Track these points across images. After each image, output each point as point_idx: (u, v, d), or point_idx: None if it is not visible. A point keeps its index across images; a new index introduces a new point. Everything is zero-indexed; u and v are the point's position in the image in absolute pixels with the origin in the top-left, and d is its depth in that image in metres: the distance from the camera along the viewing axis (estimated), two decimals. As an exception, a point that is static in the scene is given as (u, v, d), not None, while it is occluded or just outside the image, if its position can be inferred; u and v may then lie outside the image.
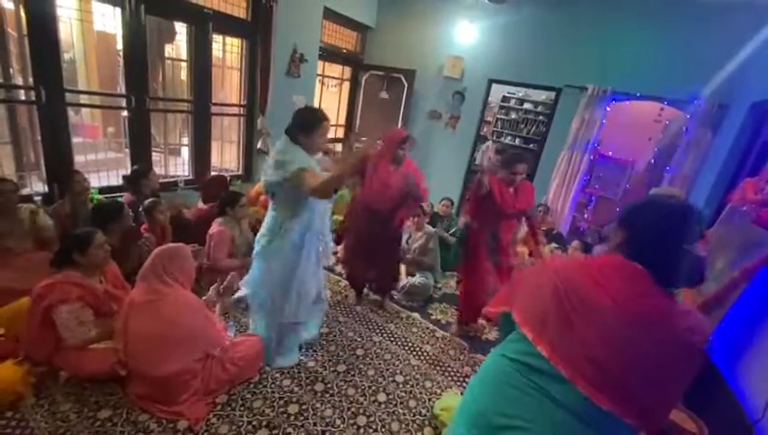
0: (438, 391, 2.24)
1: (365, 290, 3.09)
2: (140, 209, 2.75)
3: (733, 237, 1.79)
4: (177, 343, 1.72)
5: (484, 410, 0.95)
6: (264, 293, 2.08)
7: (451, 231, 3.97)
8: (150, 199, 2.77)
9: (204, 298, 1.93)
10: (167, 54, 4.19)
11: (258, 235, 2.08)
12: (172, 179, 3.75)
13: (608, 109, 4.23)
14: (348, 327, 2.71)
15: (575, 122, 4.38)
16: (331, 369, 2.27)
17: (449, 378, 2.38)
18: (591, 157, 4.49)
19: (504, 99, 6.40)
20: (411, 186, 2.54)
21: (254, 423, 1.82)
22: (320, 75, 5.01)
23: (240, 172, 4.28)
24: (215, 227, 2.64)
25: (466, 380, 2.39)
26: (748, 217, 1.64)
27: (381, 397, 2.12)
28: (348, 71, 5.57)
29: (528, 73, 4.60)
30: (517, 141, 6.37)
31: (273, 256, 2.00)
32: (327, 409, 1.98)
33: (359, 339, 2.59)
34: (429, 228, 3.37)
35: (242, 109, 4.07)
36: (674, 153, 4.18)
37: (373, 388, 2.18)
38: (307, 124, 1.93)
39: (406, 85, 5.17)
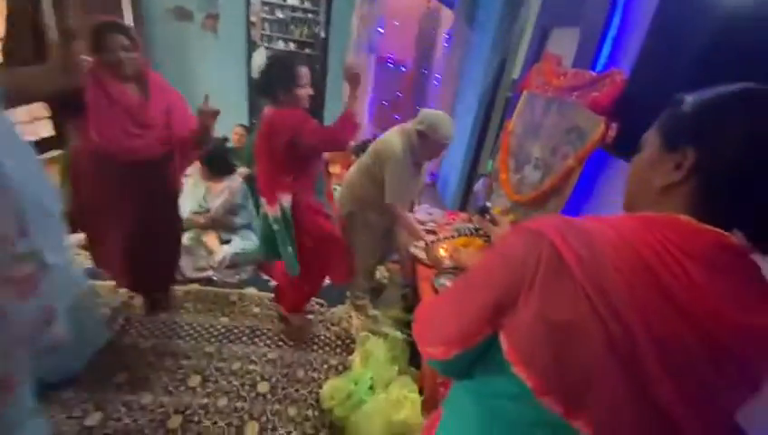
0: (317, 376, 1.83)
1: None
2: None
3: (552, 125, 1.90)
4: None
5: None
6: None
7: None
8: None
9: None
10: None
11: None
12: None
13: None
14: (158, 352, 1.83)
15: (355, 20, 3.98)
16: (160, 431, 1.48)
17: (323, 351, 1.98)
18: (379, 58, 4.30)
19: (264, -7, 5.29)
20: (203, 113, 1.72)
21: None
22: None
23: None
24: None
25: (340, 349, 2.04)
26: (574, 104, 1.71)
27: (251, 427, 1.54)
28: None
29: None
30: (291, 46, 5.56)
31: None
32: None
33: (184, 362, 1.79)
34: (234, 179, 2.53)
35: None
36: (439, 52, 4.45)
37: (234, 422, 1.55)
38: None
39: (119, -35, 3.42)
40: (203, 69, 3.83)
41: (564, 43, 2.11)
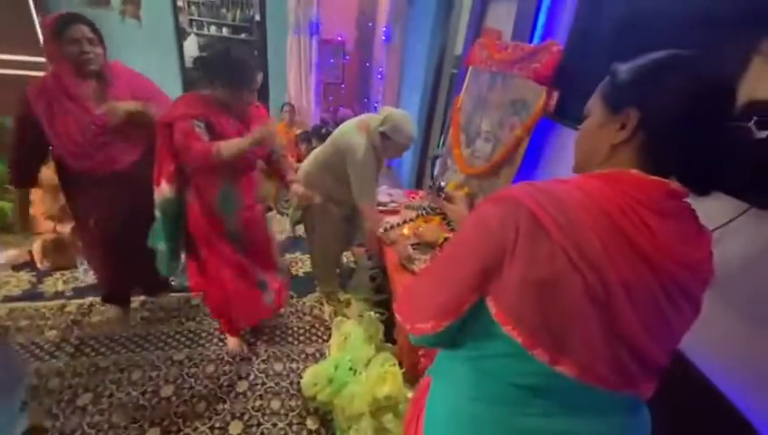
0: (295, 366, 1.83)
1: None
2: None
3: (498, 98, 1.97)
4: None
5: None
6: None
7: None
8: None
9: None
10: None
11: None
12: None
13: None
14: (122, 367, 1.73)
15: (291, 0, 3.82)
16: (136, 447, 1.42)
17: (299, 342, 1.98)
18: (320, 40, 4.17)
19: (187, -27, 4.90)
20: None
21: None
22: None
23: None
24: None
25: (316, 337, 2.05)
26: (516, 76, 1.79)
27: (235, 427, 1.53)
28: None
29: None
30: (224, 31, 5.24)
31: None
32: None
33: (153, 374, 1.71)
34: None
35: None
36: (381, 28, 4.40)
37: (217, 424, 1.53)
38: None
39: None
40: (129, 60, 3.49)
41: (502, 17, 2.18)
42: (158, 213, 1.53)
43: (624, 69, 0.59)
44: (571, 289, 0.51)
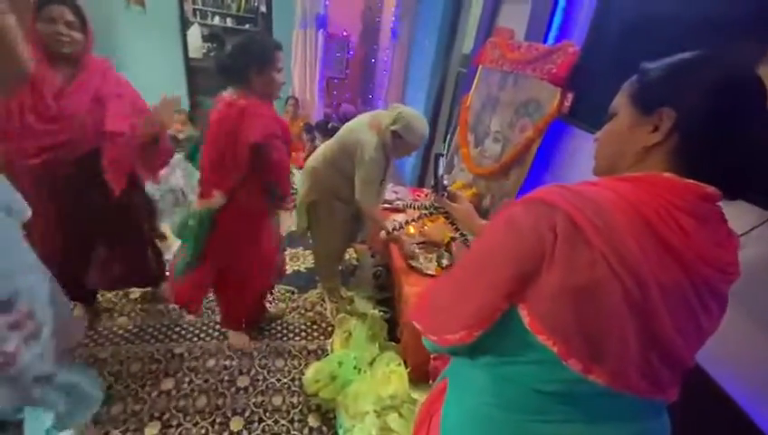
0: (297, 363, 1.81)
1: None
2: None
3: (509, 98, 1.95)
4: None
5: None
6: None
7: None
8: None
9: None
10: None
11: None
12: None
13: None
14: (120, 359, 1.71)
15: (298, -8, 3.78)
16: (136, 441, 1.40)
17: (300, 338, 1.96)
18: (326, 34, 4.13)
19: (191, -38, 4.82)
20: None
21: None
22: None
23: None
24: None
25: (317, 334, 2.03)
26: (530, 76, 1.77)
27: (236, 423, 1.51)
28: None
29: None
30: (228, 22, 5.17)
31: None
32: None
33: (153, 366, 1.69)
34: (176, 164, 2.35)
35: None
36: (387, 23, 4.36)
37: (218, 419, 1.51)
38: None
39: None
40: (132, 49, 3.44)
41: (515, 17, 2.15)
42: (192, 221, 1.46)
43: (655, 67, 0.57)
44: (610, 296, 0.49)
